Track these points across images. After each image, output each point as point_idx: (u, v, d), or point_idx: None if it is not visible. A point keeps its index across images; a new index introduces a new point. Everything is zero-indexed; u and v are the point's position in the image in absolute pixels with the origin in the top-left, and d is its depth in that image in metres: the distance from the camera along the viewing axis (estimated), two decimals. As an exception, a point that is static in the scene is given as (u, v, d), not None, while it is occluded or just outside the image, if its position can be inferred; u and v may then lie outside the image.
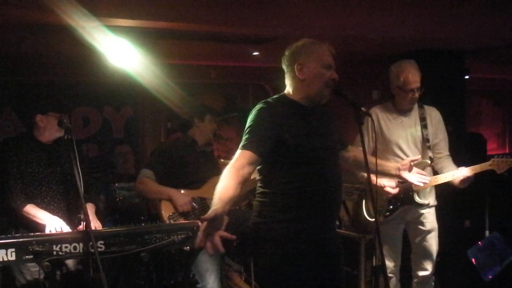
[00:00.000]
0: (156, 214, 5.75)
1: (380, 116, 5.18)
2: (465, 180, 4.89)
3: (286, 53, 3.83)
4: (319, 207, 3.72)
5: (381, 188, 5.02)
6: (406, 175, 4.51)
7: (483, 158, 5.04)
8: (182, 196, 5.06)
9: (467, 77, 7.86)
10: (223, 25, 5.72)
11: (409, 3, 5.06)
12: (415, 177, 4.64)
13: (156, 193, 5.13)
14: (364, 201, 5.38)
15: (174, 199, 5.05)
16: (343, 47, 6.99)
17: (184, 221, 4.87)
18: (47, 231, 4.33)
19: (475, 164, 4.87)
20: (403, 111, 5.21)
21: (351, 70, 8.49)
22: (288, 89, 3.84)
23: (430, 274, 5.33)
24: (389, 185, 5.04)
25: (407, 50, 7.19)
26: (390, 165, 4.55)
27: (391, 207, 5.16)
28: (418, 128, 5.18)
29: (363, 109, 3.66)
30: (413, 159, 4.56)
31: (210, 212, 3.26)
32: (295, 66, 3.74)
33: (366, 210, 5.35)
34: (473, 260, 5.46)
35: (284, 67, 3.86)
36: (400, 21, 5.83)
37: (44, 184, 4.65)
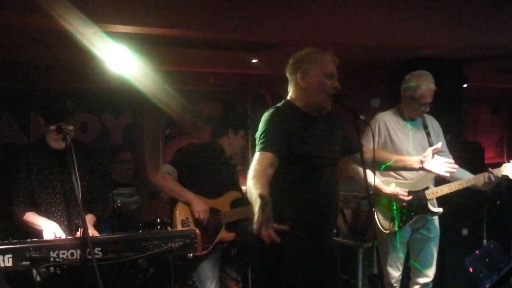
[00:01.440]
0: (152, 221, 5.73)
1: (389, 124, 5.19)
2: (489, 183, 4.89)
3: (290, 61, 3.89)
4: (318, 215, 3.74)
5: (394, 196, 5.03)
6: (430, 166, 4.35)
7: (481, 167, 5.05)
8: (201, 203, 5.03)
9: (465, 85, 7.85)
10: (222, 32, 5.72)
11: (408, 11, 5.06)
12: (441, 167, 4.41)
13: (176, 193, 5.10)
14: (376, 212, 5.31)
15: (193, 204, 5.01)
16: (341, 55, 6.97)
17: (182, 228, 4.86)
18: (44, 237, 4.31)
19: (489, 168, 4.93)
20: (410, 119, 5.23)
21: (349, 78, 8.48)
22: (291, 95, 3.87)
23: (431, 281, 5.35)
24: (401, 193, 5.02)
25: (405, 58, 7.18)
26: (412, 159, 4.50)
27: (404, 217, 5.13)
28: (424, 135, 5.22)
29: (361, 117, 3.67)
30: (435, 148, 4.36)
31: (265, 197, 3.20)
32: (298, 75, 3.79)
33: (379, 221, 5.28)
34: (470, 269, 5.45)
35: (287, 74, 3.91)
36: (399, 29, 5.83)
37: (57, 191, 4.64)
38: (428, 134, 5.21)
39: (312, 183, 3.71)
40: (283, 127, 3.67)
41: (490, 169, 4.88)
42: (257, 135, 3.72)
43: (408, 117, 5.22)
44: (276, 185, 3.66)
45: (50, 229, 4.35)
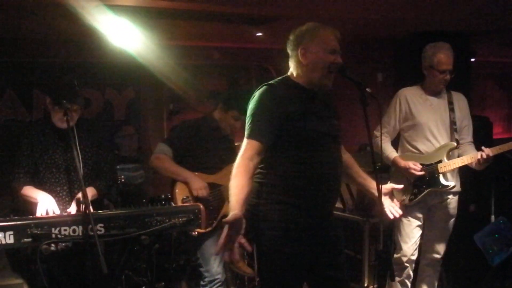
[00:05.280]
0: (156, 196, 5.67)
1: (409, 98, 5.20)
2: (483, 161, 4.88)
3: (291, 37, 3.80)
4: (316, 190, 3.67)
5: (406, 169, 5.05)
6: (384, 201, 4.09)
7: (490, 141, 4.98)
8: (199, 180, 4.93)
9: (473, 59, 7.77)
10: (226, 5, 5.65)
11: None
12: (388, 204, 4.10)
13: (172, 173, 4.99)
14: (391, 183, 5.31)
15: (190, 183, 4.91)
16: (347, 29, 6.91)
17: (186, 204, 4.79)
18: (37, 212, 4.23)
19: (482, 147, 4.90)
20: (432, 94, 5.22)
21: (356, 53, 8.43)
22: (292, 71, 3.81)
23: (441, 258, 5.38)
24: (414, 167, 5.03)
25: (412, 32, 7.11)
26: (370, 185, 4.10)
27: (415, 190, 5.15)
28: (447, 110, 5.19)
29: (368, 90, 3.60)
30: (396, 188, 4.20)
31: (230, 217, 3.29)
32: (299, 51, 3.71)
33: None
34: (480, 245, 5.42)
35: (289, 51, 3.83)
36: (405, 2, 5.76)
37: (61, 170, 4.57)
38: (451, 110, 5.18)
39: (311, 158, 3.63)
40: (273, 107, 3.58)
41: (483, 148, 4.86)
42: (247, 116, 3.66)
43: (430, 90, 5.21)
44: (277, 159, 3.64)
45: (43, 205, 4.27)
